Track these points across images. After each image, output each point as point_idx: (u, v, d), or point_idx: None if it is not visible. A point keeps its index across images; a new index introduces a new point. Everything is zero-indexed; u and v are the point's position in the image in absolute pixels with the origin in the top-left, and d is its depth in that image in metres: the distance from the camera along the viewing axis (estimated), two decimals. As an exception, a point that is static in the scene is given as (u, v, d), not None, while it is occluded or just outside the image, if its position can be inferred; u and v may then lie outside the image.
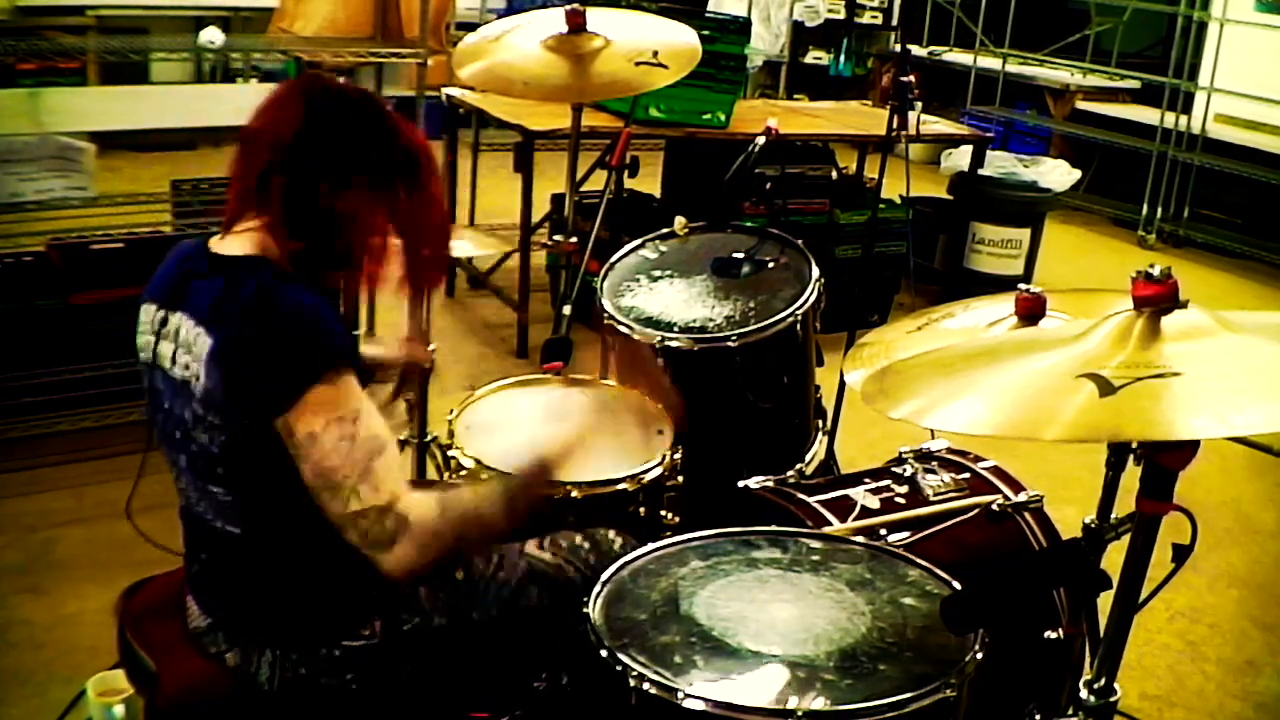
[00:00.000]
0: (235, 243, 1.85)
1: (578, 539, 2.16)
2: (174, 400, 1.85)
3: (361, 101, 1.90)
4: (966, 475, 2.56)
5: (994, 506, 2.46)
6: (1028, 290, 2.30)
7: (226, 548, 1.89)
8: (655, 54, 3.09)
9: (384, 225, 1.89)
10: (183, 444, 1.86)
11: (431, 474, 3.06)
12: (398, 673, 1.93)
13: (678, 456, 2.50)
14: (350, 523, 1.77)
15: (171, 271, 1.91)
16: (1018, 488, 2.54)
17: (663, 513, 2.46)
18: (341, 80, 1.98)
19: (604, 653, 1.78)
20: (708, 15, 7.25)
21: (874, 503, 2.42)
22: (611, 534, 2.19)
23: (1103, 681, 1.71)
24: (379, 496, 1.77)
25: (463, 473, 2.38)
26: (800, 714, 1.65)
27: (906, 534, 2.35)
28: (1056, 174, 6.49)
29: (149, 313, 1.91)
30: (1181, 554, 1.65)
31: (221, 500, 1.85)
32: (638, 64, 3.08)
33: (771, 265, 3.06)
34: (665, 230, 3.21)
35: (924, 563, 2.04)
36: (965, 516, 2.44)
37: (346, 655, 1.89)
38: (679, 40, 3.19)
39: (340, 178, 1.83)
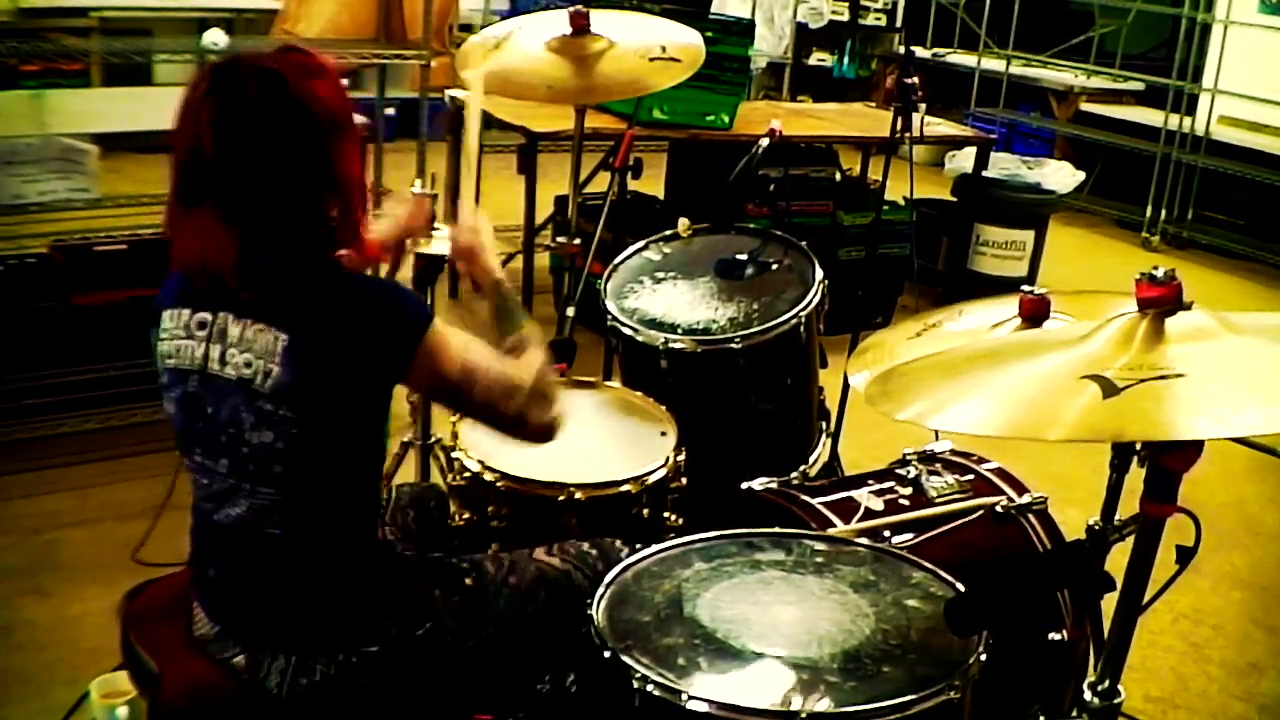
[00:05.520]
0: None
1: (585, 546, 2.16)
2: (222, 402, 1.83)
3: (266, 84, 1.79)
4: (970, 477, 2.56)
5: (998, 508, 2.46)
6: (1032, 292, 2.30)
7: (260, 552, 1.88)
8: (663, 49, 3.09)
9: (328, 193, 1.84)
10: (229, 447, 1.84)
11: (435, 476, 3.05)
12: (408, 678, 1.93)
13: (681, 458, 2.50)
14: (529, 408, 1.93)
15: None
16: (1022, 489, 2.54)
17: (666, 514, 2.46)
18: (240, 51, 1.91)
19: (607, 654, 1.78)
20: (711, 17, 7.25)
21: (878, 504, 2.42)
22: (618, 543, 2.20)
23: (1106, 683, 1.71)
24: (524, 379, 1.94)
25: (466, 474, 2.38)
26: (804, 715, 1.65)
27: (910, 536, 2.35)
28: (1060, 176, 6.49)
29: (178, 317, 1.87)
30: (1185, 556, 1.65)
31: (270, 501, 1.85)
32: (652, 59, 3.08)
33: (775, 267, 3.06)
34: (668, 232, 3.21)
35: (928, 564, 2.04)
36: (969, 518, 2.43)
37: (362, 661, 1.89)
38: (683, 40, 3.19)
39: (273, 176, 1.78)
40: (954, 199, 6.43)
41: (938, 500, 2.46)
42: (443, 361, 1.85)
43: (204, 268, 1.82)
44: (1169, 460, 1.57)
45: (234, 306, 1.82)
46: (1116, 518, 1.77)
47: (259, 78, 1.79)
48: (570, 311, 3.22)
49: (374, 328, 1.81)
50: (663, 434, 2.58)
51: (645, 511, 2.41)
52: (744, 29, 5.27)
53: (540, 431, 1.97)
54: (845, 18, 9.62)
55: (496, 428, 1.98)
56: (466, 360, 1.88)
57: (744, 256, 3.07)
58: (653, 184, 5.46)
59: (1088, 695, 1.72)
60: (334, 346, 1.79)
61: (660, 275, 3.09)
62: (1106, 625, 1.75)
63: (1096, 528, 1.78)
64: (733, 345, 2.82)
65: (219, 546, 1.94)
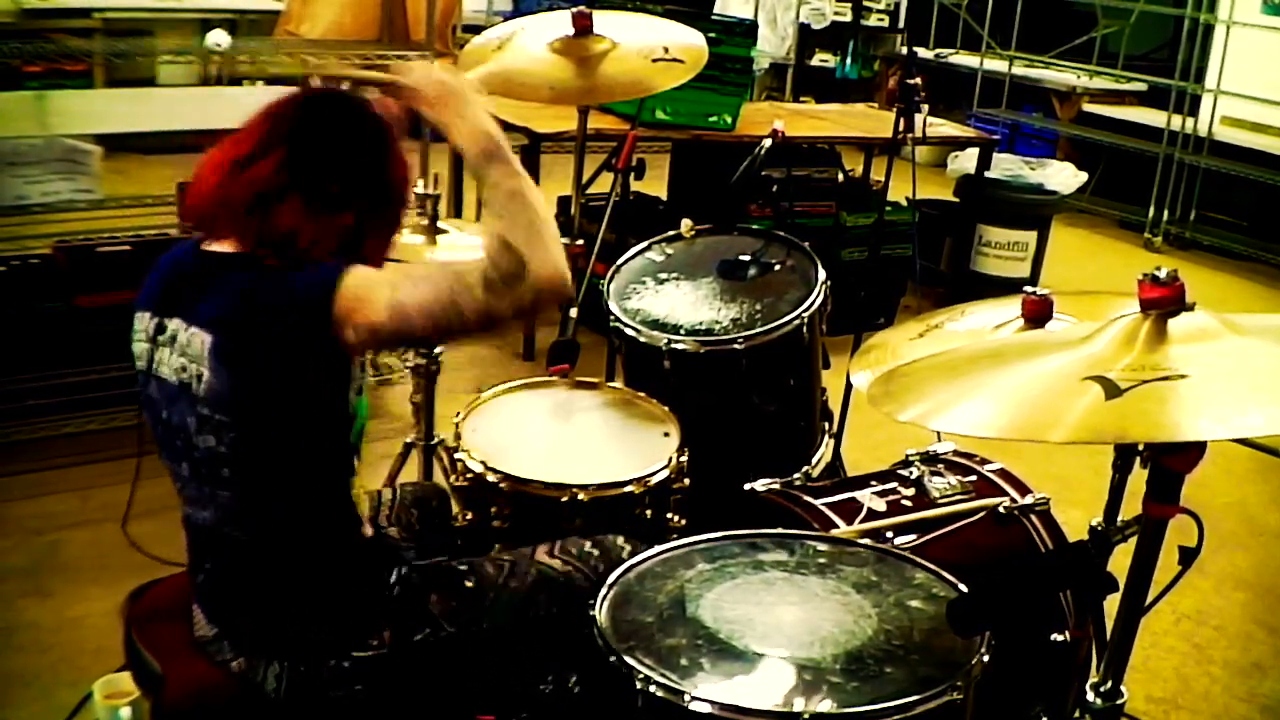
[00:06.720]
0: (224, 242, 1.85)
1: (587, 545, 2.16)
2: (171, 407, 1.84)
3: (358, 120, 1.87)
4: (973, 478, 2.56)
5: (1000, 509, 2.46)
6: (1034, 292, 2.30)
7: (233, 554, 1.89)
8: (666, 50, 3.10)
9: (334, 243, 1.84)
10: (184, 452, 1.85)
11: (438, 477, 3.06)
12: (406, 683, 1.92)
13: (684, 459, 2.50)
14: (488, 304, 1.74)
15: (164, 277, 1.90)
16: (1024, 490, 2.54)
17: (669, 515, 2.46)
18: (344, 88, 1.95)
19: (610, 655, 1.78)
20: (713, 18, 7.24)
21: (880, 505, 2.42)
22: (620, 540, 2.19)
23: (1109, 684, 1.71)
24: (469, 278, 1.75)
25: (469, 475, 2.38)
26: (806, 716, 1.65)
27: (913, 536, 2.35)
28: (1063, 176, 6.49)
29: (143, 320, 1.89)
30: (1188, 557, 1.65)
31: (228, 504, 1.85)
32: (655, 60, 3.08)
33: (777, 268, 3.06)
34: (671, 233, 3.21)
35: (930, 565, 2.04)
36: (972, 519, 2.43)
37: (355, 666, 1.89)
38: (686, 41, 3.19)
39: (321, 202, 1.82)
40: (956, 200, 6.43)
41: (940, 501, 2.46)
42: (369, 312, 1.73)
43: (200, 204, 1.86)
44: (1171, 461, 1.57)
45: (185, 312, 1.82)
46: (1119, 519, 1.77)
47: (344, 102, 1.90)
48: (573, 312, 3.22)
49: (282, 309, 1.75)
50: (666, 435, 2.58)
51: (648, 512, 2.41)
52: (746, 30, 5.28)
53: (521, 306, 1.77)
54: (848, 19, 9.63)
55: (473, 335, 1.86)
56: (393, 300, 1.74)
57: (747, 257, 3.07)
58: (655, 185, 5.46)
59: (1090, 696, 1.72)
60: (252, 340, 1.76)
61: (663, 276, 3.09)
62: (1109, 626, 1.75)
63: (1099, 528, 1.78)
64: (735, 346, 2.82)
65: (204, 547, 1.94)
